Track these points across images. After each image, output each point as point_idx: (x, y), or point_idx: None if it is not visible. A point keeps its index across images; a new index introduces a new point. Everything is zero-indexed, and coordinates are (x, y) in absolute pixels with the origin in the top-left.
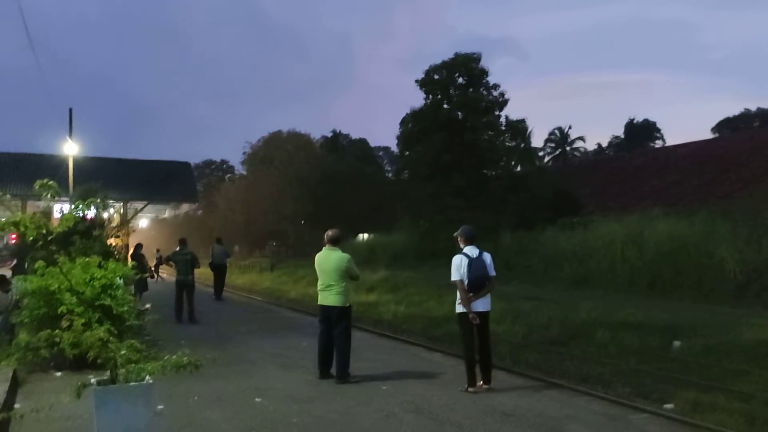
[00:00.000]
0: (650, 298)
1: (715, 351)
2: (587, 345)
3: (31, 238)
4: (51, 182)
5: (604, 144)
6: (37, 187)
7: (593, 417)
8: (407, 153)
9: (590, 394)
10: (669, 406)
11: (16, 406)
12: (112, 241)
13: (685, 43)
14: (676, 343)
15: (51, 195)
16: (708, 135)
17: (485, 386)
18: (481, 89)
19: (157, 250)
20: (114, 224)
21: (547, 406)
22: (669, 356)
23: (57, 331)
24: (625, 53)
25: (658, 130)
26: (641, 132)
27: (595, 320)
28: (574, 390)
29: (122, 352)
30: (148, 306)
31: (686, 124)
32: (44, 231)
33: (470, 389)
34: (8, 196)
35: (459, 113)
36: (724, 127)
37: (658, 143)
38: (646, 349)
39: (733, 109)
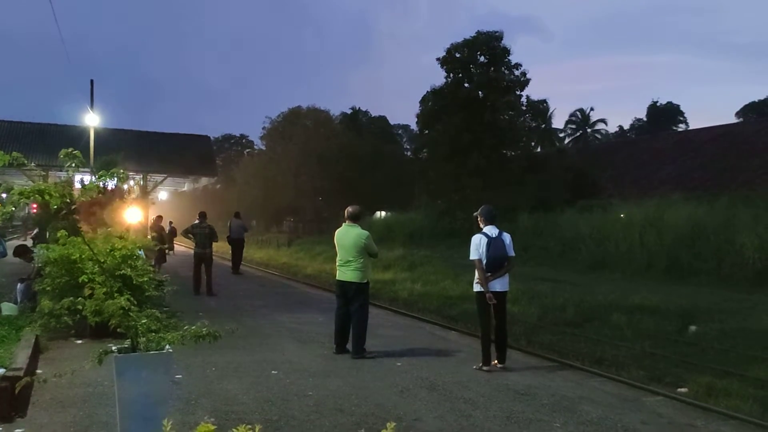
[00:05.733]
0: (667, 282)
1: (731, 337)
2: (602, 327)
3: (55, 207)
4: (76, 152)
5: (626, 126)
6: (61, 156)
7: (606, 398)
8: (427, 131)
9: (604, 375)
10: (683, 389)
11: (39, 371)
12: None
13: (712, 26)
14: (692, 328)
15: (75, 165)
16: (732, 119)
17: (500, 365)
18: (503, 68)
19: (170, 223)
20: (134, 196)
21: (561, 387)
22: (684, 341)
23: (79, 299)
24: (651, 35)
25: (682, 114)
26: (664, 115)
27: (610, 303)
28: (588, 371)
29: (143, 321)
30: (166, 276)
31: (710, 107)
32: (68, 200)
33: (485, 368)
34: (33, 164)
35: (480, 92)
36: (749, 111)
37: (681, 126)
38: (661, 333)
39: (759, 93)
